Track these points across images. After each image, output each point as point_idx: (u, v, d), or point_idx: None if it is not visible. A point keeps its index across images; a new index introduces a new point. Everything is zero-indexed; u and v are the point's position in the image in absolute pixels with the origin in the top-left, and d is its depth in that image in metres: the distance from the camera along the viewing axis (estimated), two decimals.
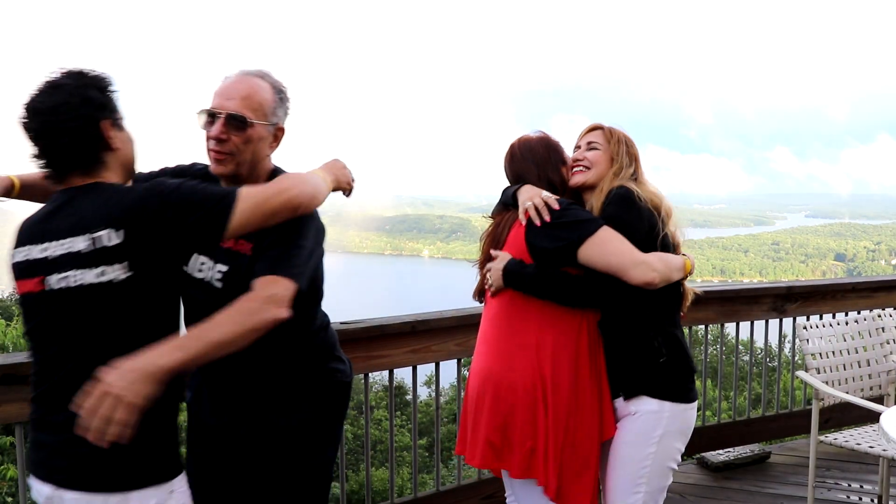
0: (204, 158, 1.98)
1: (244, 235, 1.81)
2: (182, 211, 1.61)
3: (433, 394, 5.07)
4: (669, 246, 2.25)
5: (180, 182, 1.69)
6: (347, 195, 2.05)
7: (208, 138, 1.88)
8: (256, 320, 1.62)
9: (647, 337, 2.23)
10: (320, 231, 1.92)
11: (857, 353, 3.52)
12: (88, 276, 1.58)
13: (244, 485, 2.00)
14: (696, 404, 2.32)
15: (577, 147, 2.39)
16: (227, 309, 1.61)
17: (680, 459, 2.36)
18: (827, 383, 3.33)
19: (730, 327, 4.39)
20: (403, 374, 3.38)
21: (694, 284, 2.42)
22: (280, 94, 1.97)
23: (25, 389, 2.24)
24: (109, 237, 1.57)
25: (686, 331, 3.68)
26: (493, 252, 2.27)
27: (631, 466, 2.24)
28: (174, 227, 1.61)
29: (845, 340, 3.51)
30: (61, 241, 1.61)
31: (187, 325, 1.91)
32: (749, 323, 4.17)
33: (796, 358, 4.96)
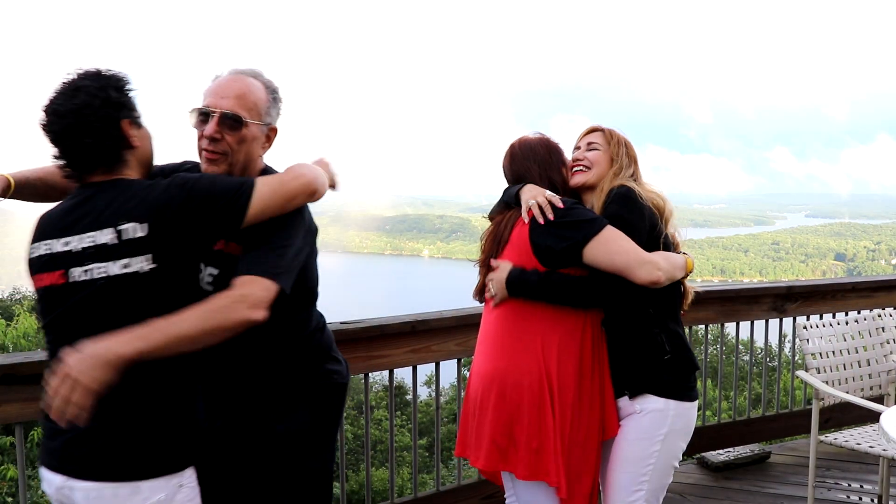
0: (192, 157, 1.98)
1: (234, 238, 1.81)
2: (204, 203, 1.67)
3: (433, 394, 5.07)
4: (670, 245, 2.26)
5: (199, 175, 1.76)
6: (334, 189, 2.06)
7: (201, 137, 1.87)
8: (223, 319, 1.62)
9: (651, 334, 2.23)
10: (311, 232, 1.91)
11: (857, 352, 3.51)
12: (113, 268, 1.63)
13: (242, 488, 1.98)
14: (697, 403, 2.34)
15: (577, 148, 2.39)
16: (198, 305, 1.62)
17: (681, 458, 2.37)
18: (827, 383, 3.33)
19: (730, 327, 4.39)
20: (403, 374, 3.38)
21: (694, 284, 2.42)
22: (273, 95, 1.96)
23: (25, 389, 2.25)
24: (135, 230, 1.63)
25: (686, 331, 3.68)
26: (493, 262, 2.26)
27: (635, 465, 2.24)
28: (197, 219, 1.66)
29: (845, 340, 3.51)
30: (85, 235, 1.66)
31: None
32: (749, 323, 4.17)
33: (796, 358, 4.96)
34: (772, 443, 4.79)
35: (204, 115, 1.87)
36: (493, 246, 2.29)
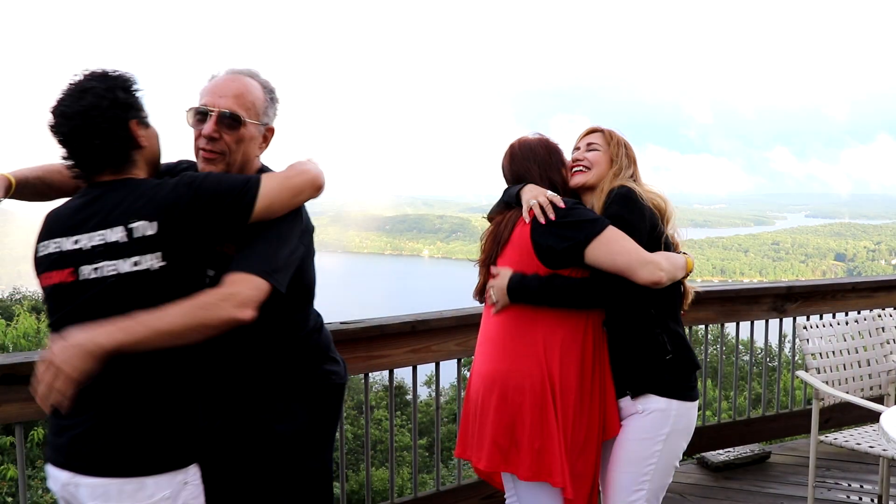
0: (188, 156, 1.97)
1: (231, 238, 1.81)
2: (212, 200, 1.69)
3: (433, 394, 5.07)
4: (670, 245, 2.26)
5: (207, 173, 1.78)
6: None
7: (199, 136, 1.87)
8: (207, 316, 1.61)
9: (653, 334, 2.24)
10: (306, 232, 1.90)
11: (857, 352, 3.51)
12: (124, 265, 1.65)
13: (241, 489, 1.97)
14: (697, 403, 2.35)
15: (577, 148, 2.39)
16: (184, 300, 1.63)
17: (681, 457, 2.37)
18: (827, 383, 3.33)
19: (730, 327, 4.39)
20: (403, 374, 3.38)
21: (694, 284, 2.42)
22: (270, 95, 1.95)
23: (25, 389, 2.24)
24: (145, 228, 1.65)
25: (686, 331, 3.68)
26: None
27: (637, 465, 2.24)
28: (205, 217, 1.68)
29: (845, 340, 3.51)
30: (95, 233, 1.67)
31: None
32: (749, 323, 4.17)
33: (796, 358, 4.96)
34: (772, 443, 4.79)
35: (201, 115, 1.86)
36: (494, 246, 2.28)
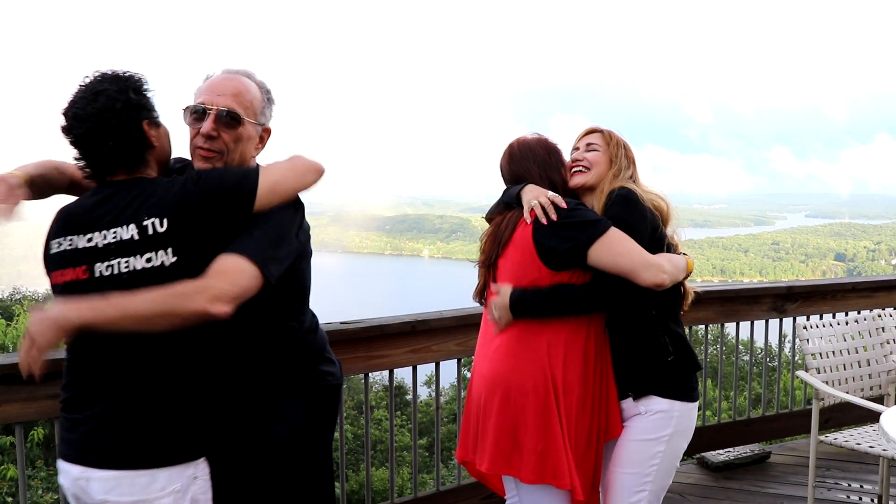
0: (184, 155, 1.97)
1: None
2: (216, 194, 1.72)
3: (433, 394, 5.07)
4: (670, 246, 2.26)
5: (210, 169, 1.81)
6: None
7: (195, 135, 1.87)
8: (177, 305, 1.61)
9: (655, 335, 2.24)
10: (304, 229, 1.91)
11: (857, 352, 3.51)
12: (138, 262, 1.68)
13: (241, 490, 1.96)
14: (698, 403, 2.35)
15: (576, 149, 2.38)
16: (164, 287, 1.64)
17: (681, 458, 2.37)
18: (827, 383, 3.33)
19: (730, 327, 4.39)
20: (403, 374, 3.38)
21: (694, 284, 2.42)
22: (267, 95, 1.96)
23: (25, 389, 2.25)
24: (156, 225, 1.68)
25: (686, 331, 3.69)
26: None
27: (639, 465, 2.24)
28: (212, 211, 1.71)
29: (845, 340, 3.51)
30: (108, 231, 1.70)
31: None
32: (749, 323, 4.17)
33: (796, 358, 4.96)
34: (772, 443, 4.79)
35: (199, 113, 1.86)
36: (494, 246, 2.26)
